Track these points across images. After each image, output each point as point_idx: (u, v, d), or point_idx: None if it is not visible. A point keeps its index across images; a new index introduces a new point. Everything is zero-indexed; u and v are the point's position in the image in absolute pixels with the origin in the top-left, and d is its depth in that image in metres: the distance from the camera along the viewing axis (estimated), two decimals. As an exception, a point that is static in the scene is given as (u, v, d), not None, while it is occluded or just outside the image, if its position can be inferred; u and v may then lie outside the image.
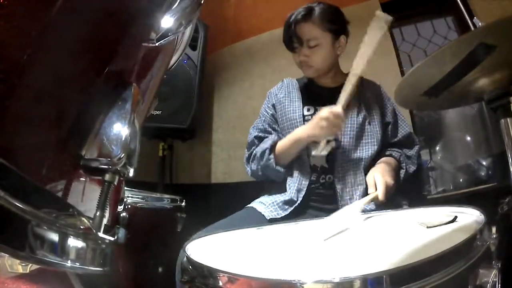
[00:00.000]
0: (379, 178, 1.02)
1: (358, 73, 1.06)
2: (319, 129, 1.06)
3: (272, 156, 1.16)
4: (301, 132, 1.13)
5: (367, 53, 1.03)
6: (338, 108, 1.04)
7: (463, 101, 0.93)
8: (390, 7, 1.97)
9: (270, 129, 1.28)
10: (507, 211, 0.72)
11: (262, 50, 2.20)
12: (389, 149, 1.22)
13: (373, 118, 1.21)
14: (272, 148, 1.18)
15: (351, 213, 0.89)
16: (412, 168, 1.19)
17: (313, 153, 1.12)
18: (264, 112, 1.33)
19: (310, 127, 1.10)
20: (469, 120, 1.68)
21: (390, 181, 1.03)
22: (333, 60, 1.26)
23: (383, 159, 1.16)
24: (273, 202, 1.14)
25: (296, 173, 1.17)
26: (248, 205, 1.19)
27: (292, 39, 1.22)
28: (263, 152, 1.18)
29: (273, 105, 1.31)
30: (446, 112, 1.71)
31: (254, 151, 1.23)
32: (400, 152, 1.21)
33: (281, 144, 1.18)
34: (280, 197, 1.15)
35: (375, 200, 0.99)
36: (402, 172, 1.17)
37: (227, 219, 1.08)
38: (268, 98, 1.36)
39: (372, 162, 1.16)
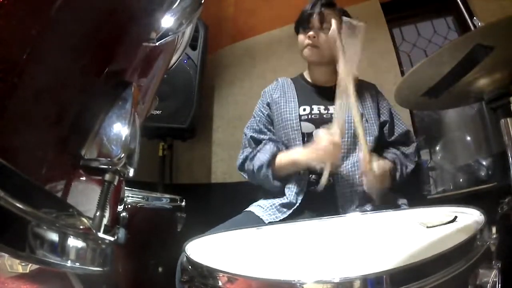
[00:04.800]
0: (379, 164, 1.04)
1: (347, 85, 1.02)
2: (317, 157, 1.05)
3: (269, 171, 1.16)
4: (299, 155, 1.11)
5: (350, 67, 1.02)
6: (337, 136, 1.02)
7: (463, 101, 0.93)
8: (390, 7, 1.97)
9: (265, 130, 1.28)
10: (507, 211, 0.72)
11: (262, 50, 2.20)
12: (385, 149, 1.22)
13: (370, 116, 1.22)
14: (270, 163, 1.17)
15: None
16: (410, 167, 1.20)
17: (319, 186, 1.09)
18: (259, 112, 1.33)
19: (308, 153, 1.08)
20: (469, 120, 1.68)
21: (387, 168, 1.08)
22: (335, 52, 1.28)
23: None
24: (271, 205, 1.13)
25: (294, 176, 1.16)
26: (246, 209, 1.18)
27: (310, 18, 1.26)
28: (260, 167, 1.17)
29: (268, 104, 1.31)
30: (446, 112, 1.71)
31: (251, 164, 1.22)
32: (396, 154, 1.20)
33: (278, 162, 1.17)
34: (278, 200, 1.14)
35: (364, 173, 1.02)
36: (397, 174, 1.16)
37: (225, 224, 1.07)
38: (263, 97, 1.36)
39: None
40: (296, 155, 1.13)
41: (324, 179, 1.05)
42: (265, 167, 1.16)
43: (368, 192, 1.05)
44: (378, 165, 1.03)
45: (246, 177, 1.27)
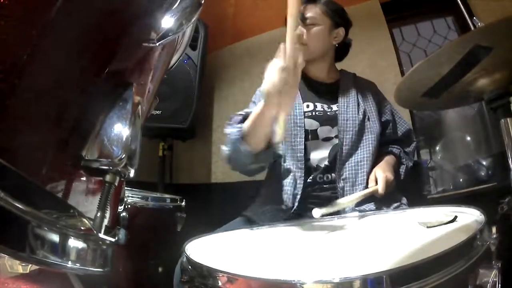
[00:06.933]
0: (380, 173, 1.07)
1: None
2: (270, 83, 0.85)
3: (240, 125, 1.03)
4: (260, 104, 0.96)
5: None
6: (282, 61, 0.83)
7: (463, 101, 0.93)
8: (390, 7, 1.98)
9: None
10: (507, 211, 0.72)
11: (262, 50, 2.20)
12: (389, 146, 1.24)
13: (372, 114, 1.22)
14: (243, 119, 1.05)
15: (349, 201, 0.96)
16: (409, 164, 1.23)
17: (276, 139, 0.90)
18: (252, 105, 1.24)
19: (264, 95, 0.89)
20: (469, 120, 1.68)
21: (390, 176, 1.07)
22: (326, 47, 1.27)
23: (384, 157, 1.18)
24: (267, 210, 1.11)
25: (290, 177, 1.13)
26: (242, 213, 1.16)
27: None
28: (234, 122, 1.07)
29: None
30: (446, 112, 1.71)
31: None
32: (400, 149, 1.23)
33: (248, 121, 1.01)
34: (275, 205, 1.12)
35: (374, 193, 1.04)
36: (403, 167, 1.20)
37: (221, 229, 1.03)
38: (256, 96, 1.27)
39: (372, 159, 1.16)
40: (258, 105, 0.98)
41: (279, 130, 0.86)
42: (236, 122, 1.06)
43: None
44: (380, 172, 1.06)
45: (224, 153, 1.09)
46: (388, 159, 1.17)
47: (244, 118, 1.06)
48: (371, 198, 1.07)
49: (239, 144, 1.00)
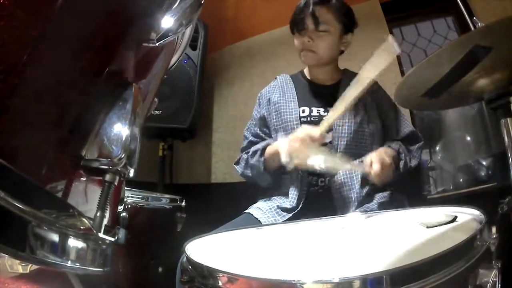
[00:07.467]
0: (375, 156, 1.01)
1: (351, 99, 0.98)
2: (292, 149, 0.98)
3: (261, 159, 1.16)
4: (280, 145, 1.06)
5: (367, 78, 0.97)
6: (316, 132, 0.98)
7: (463, 101, 0.93)
8: (390, 7, 1.97)
9: (262, 134, 1.28)
10: (507, 211, 0.72)
11: (262, 50, 2.20)
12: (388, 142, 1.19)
13: (374, 117, 1.19)
14: (263, 151, 1.18)
15: (342, 165, 0.97)
16: (414, 162, 1.16)
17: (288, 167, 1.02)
18: (254, 115, 1.32)
19: (286, 143, 1.02)
20: (469, 120, 1.68)
21: (387, 160, 1.01)
22: (335, 53, 1.25)
23: (381, 148, 1.13)
24: (270, 208, 1.12)
25: (298, 180, 1.13)
26: (245, 211, 1.17)
27: (304, 19, 1.18)
28: (254, 153, 1.19)
29: (263, 106, 1.29)
30: (446, 112, 1.71)
31: (246, 155, 1.24)
32: (400, 145, 1.17)
33: (267, 151, 1.16)
34: (277, 202, 1.13)
35: (369, 172, 0.98)
36: (401, 163, 1.12)
37: (223, 227, 1.05)
38: (259, 100, 1.33)
39: None
40: (278, 144, 1.09)
41: (289, 166, 1.00)
42: (258, 155, 1.17)
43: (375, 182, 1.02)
44: (376, 156, 1.00)
45: (239, 172, 1.27)
46: (386, 149, 1.11)
47: (268, 142, 1.20)
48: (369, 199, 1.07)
49: (262, 173, 1.17)
